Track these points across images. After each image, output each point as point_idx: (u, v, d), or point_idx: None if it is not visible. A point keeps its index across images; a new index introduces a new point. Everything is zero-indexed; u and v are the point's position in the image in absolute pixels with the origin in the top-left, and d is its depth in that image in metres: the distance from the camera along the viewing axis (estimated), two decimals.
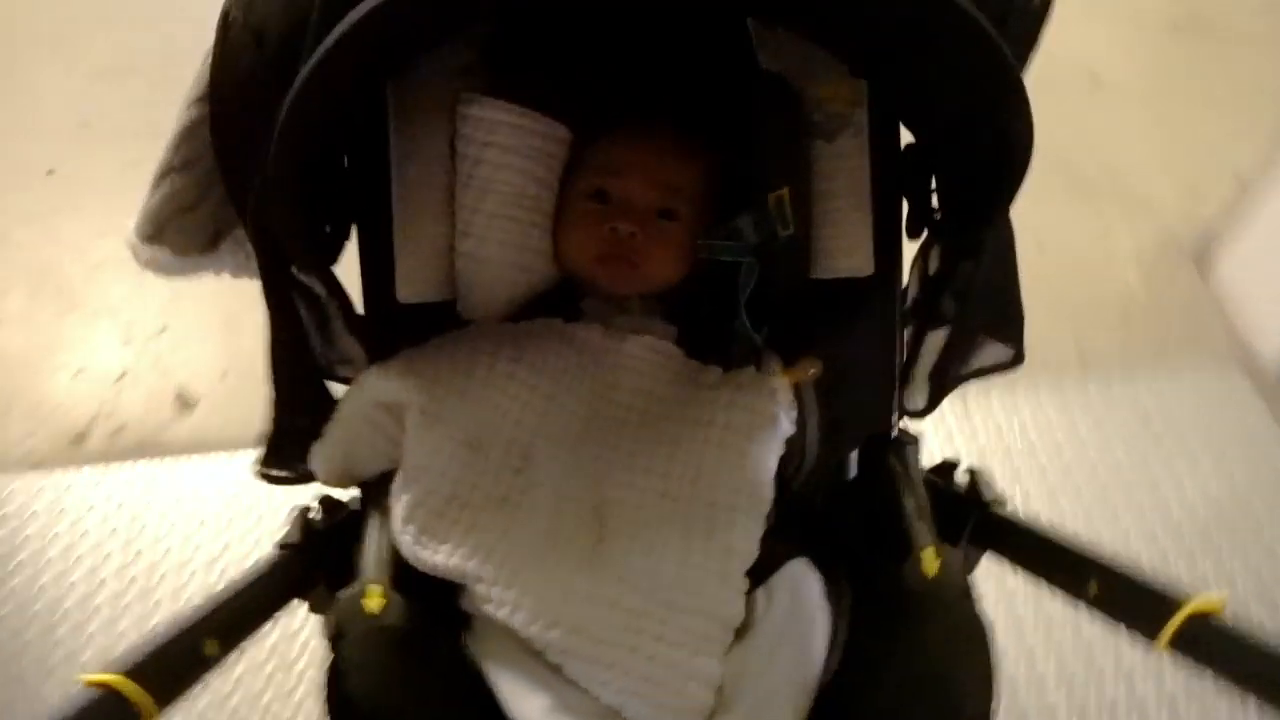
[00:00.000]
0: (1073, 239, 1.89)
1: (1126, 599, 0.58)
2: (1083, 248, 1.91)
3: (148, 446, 1.55)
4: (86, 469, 1.49)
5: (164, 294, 1.71)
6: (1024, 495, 1.52)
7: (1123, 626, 0.58)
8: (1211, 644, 0.52)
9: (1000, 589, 1.32)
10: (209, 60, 0.69)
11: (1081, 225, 1.94)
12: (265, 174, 0.64)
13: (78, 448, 1.55)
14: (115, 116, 1.96)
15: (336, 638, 0.69)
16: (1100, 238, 1.94)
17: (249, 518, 1.44)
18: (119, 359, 1.66)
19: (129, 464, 1.50)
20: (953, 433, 1.58)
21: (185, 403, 1.61)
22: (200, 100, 0.72)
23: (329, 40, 0.58)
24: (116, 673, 0.52)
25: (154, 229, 0.74)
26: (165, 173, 0.73)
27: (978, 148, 0.70)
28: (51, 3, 2.24)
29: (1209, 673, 0.51)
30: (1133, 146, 2.10)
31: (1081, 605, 0.62)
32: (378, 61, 0.72)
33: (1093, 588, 0.61)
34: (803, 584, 0.75)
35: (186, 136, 0.73)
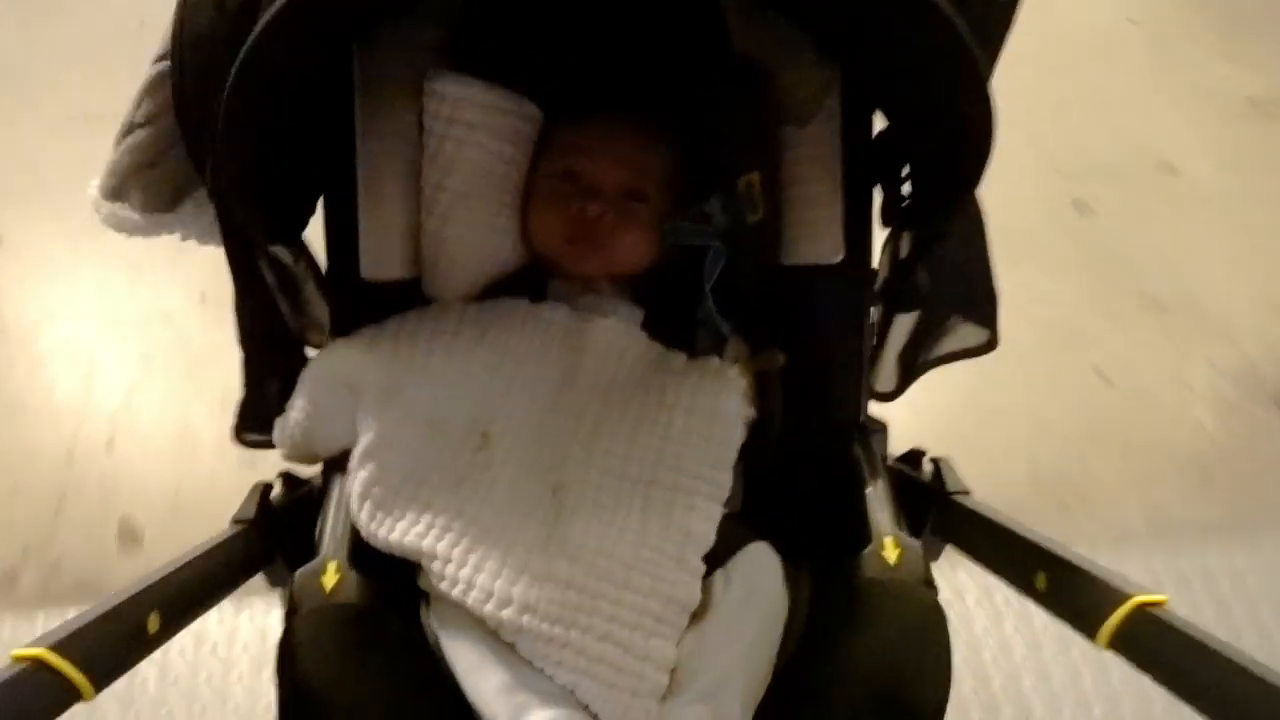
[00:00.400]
0: (1141, 369, 1.66)
1: (1071, 593, 0.58)
2: (1151, 380, 1.65)
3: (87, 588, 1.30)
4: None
5: (115, 398, 1.46)
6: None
7: (1067, 622, 0.57)
8: (1153, 643, 0.51)
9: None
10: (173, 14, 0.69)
11: (1151, 353, 1.68)
12: (215, 141, 0.63)
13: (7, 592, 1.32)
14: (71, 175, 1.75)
15: (290, 613, 0.69)
16: (1172, 369, 1.67)
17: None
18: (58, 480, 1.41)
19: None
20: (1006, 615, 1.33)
21: (131, 536, 1.36)
22: (163, 57, 0.71)
23: (272, 10, 0.58)
24: (47, 647, 0.49)
25: (116, 183, 0.74)
26: (128, 129, 0.72)
27: (942, 132, 0.69)
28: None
29: (1149, 674, 0.50)
30: (1209, 255, 1.81)
31: (1030, 599, 0.62)
32: (334, 27, 0.71)
33: (1040, 580, 0.60)
34: (762, 568, 0.75)
35: (149, 92, 0.72)
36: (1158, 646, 0.50)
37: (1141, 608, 0.51)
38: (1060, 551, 0.60)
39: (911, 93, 0.71)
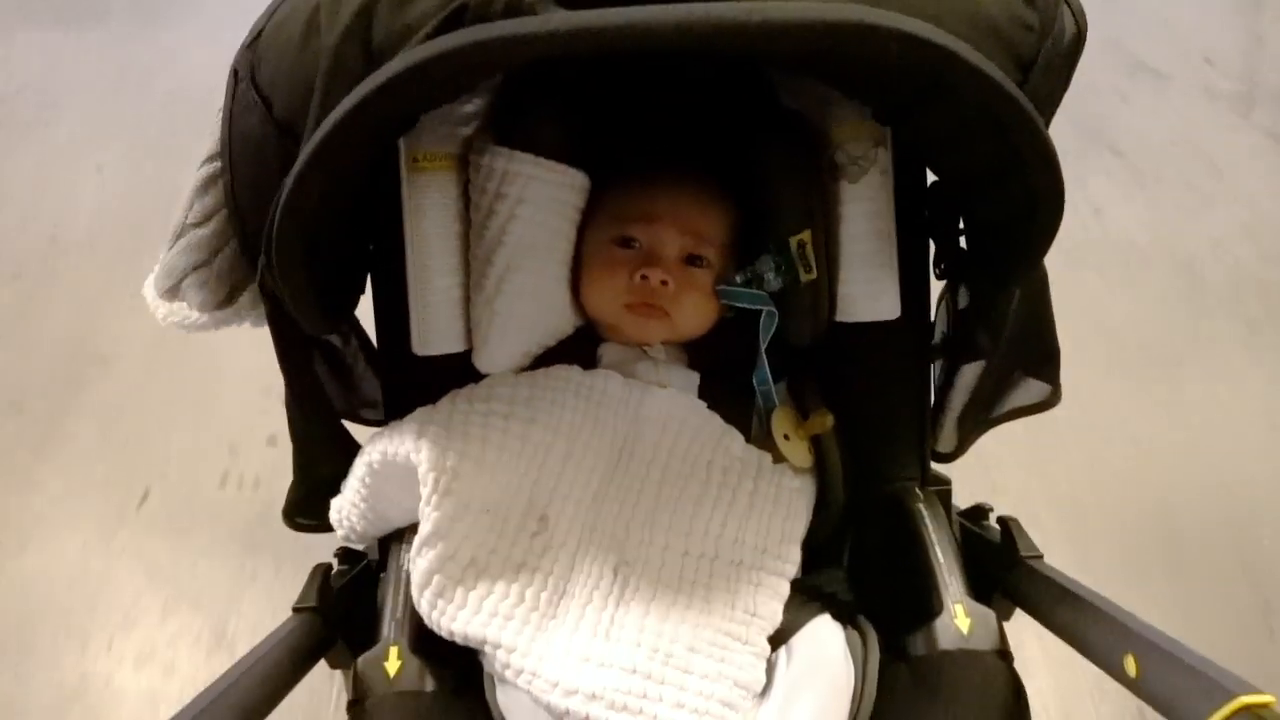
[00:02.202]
0: None
1: (1168, 683, 0.55)
2: None
3: None
4: None
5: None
6: None
7: (1161, 713, 0.55)
8: None
9: None
10: (219, 118, 0.69)
11: None
12: (268, 249, 0.63)
13: None
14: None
15: (355, 703, 0.68)
16: None
17: None
18: None
19: None
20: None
21: None
22: (212, 157, 0.71)
23: (324, 127, 0.57)
24: None
25: (171, 284, 0.74)
26: (180, 230, 0.73)
27: (1007, 201, 0.67)
28: None
29: None
30: None
31: (1118, 682, 0.59)
32: (383, 131, 0.70)
33: (1130, 665, 0.58)
34: (824, 639, 0.73)
35: (200, 192, 0.72)
36: None
37: (1247, 709, 0.48)
38: (1152, 636, 0.58)
39: (973, 160, 0.69)
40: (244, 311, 0.77)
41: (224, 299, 0.76)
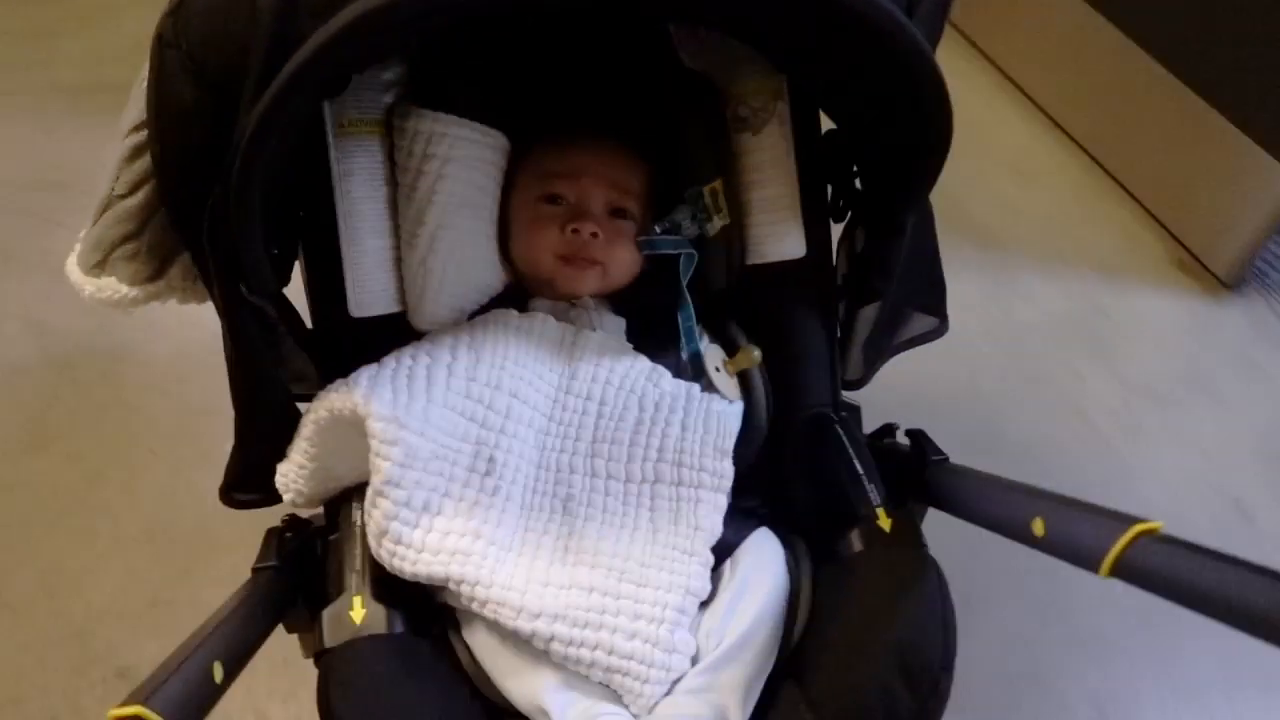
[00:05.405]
0: None
1: (1072, 532, 0.63)
2: None
3: None
4: None
5: None
6: None
7: (1070, 561, 0.62)
8: (1155, 563, 0.55)
9: None
10: (143, 86, 0.69)
11: None
12: (225, 213, 0.64)
13: None
14: None
15: (323, 654, 0.70)
16: None
17: None
18: None
19: None
20: None
21: None
22: (138, 127, 0.71)
23: (279, 81, 0.59)
24: (139, 703, 0.51)
25: (99, 257, 0.73)
26: (107, 202, 0.72)
27: (897, 133, 0.74)
28: None
29: (1156, 592, 0.55)
30: None
31: (1030, 546, 0.67)
32: (321, 92, 0.72)
33: (1038, 526, 0.65)
34: (763, 548, 0.79)
35: (127, 163, 0.72)
36: (1160, 565, 0.55)
37: (1140, 535, 0.56)
38: (1052, 496, 0.66)
39: (867, 97, 0.76)
40: (174, 284, 0.77)
41: (154, 271, 0.76)
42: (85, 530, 1.29)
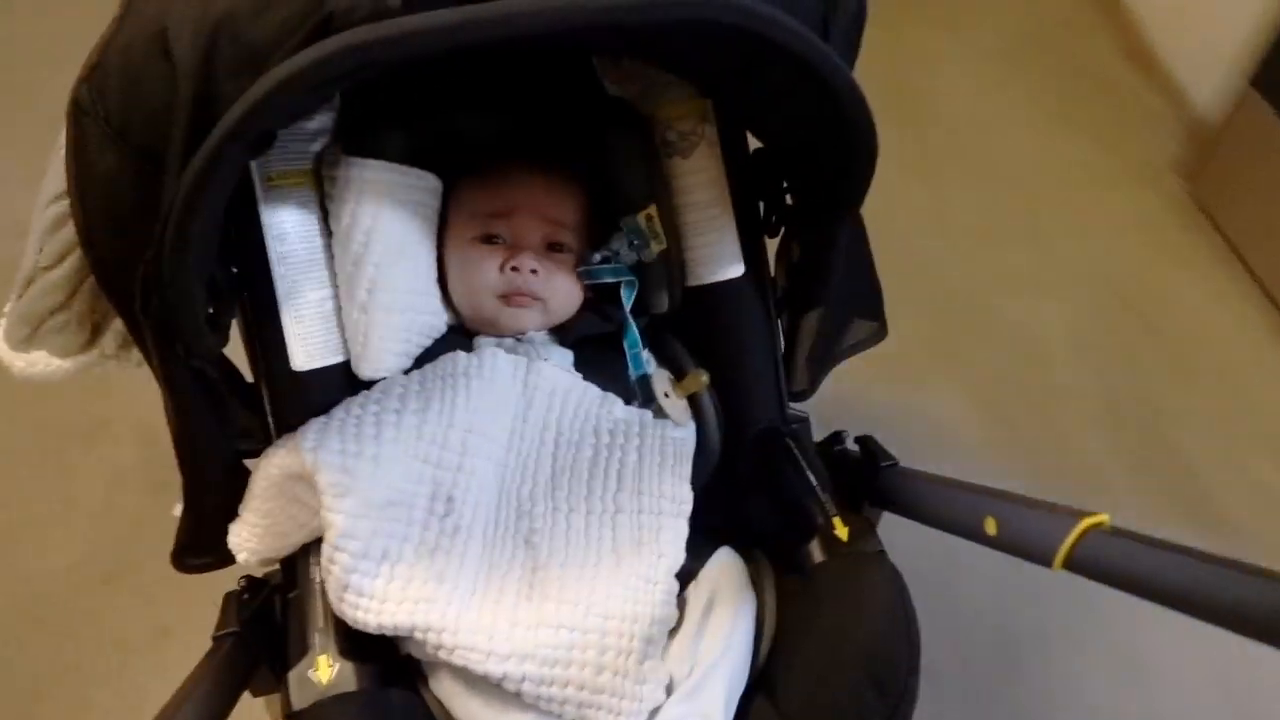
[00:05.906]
0: None
1: (1023, 529, 0.64)
2: None
3: None
4: None
5: None
6: None
7: (1023, 557, 0.64)
8: (1106, 555, 0.57)
9: None
10: (61, 154, 0.67)
11: None
12: (159, 280, 0.63)
13: None
14: None
15: (291, 717, 0.68)
16: None
17: None
18: None
19: None
20: None
21: None
22: (59, 197, 0.70)
23: (207, 146, 0.59)
24: None
25: (28, 331, 0.71)
26: (32, 275, 0.70)
27: (823, 151, 0.75)
28: None
29: (1108, 584, 0.57)
30: None
31: (986, 546, 0.68)
32: (249, 152, 0.71)
33: (990, 525, 0.67)
34: (726, 569, 0.80)
35: (49, 234, 0.70)
36: (1111, 557, 0.57)
37: (1090, 529, 0.58)
38: (1002, 495, 0.68)
39: (792, 117, 0.77)
40: (108, 352, 0.75)
41: (86, 341, 0.74)
42: None
